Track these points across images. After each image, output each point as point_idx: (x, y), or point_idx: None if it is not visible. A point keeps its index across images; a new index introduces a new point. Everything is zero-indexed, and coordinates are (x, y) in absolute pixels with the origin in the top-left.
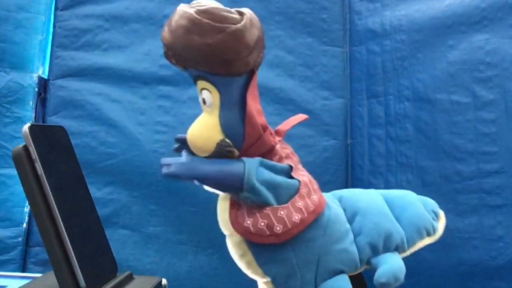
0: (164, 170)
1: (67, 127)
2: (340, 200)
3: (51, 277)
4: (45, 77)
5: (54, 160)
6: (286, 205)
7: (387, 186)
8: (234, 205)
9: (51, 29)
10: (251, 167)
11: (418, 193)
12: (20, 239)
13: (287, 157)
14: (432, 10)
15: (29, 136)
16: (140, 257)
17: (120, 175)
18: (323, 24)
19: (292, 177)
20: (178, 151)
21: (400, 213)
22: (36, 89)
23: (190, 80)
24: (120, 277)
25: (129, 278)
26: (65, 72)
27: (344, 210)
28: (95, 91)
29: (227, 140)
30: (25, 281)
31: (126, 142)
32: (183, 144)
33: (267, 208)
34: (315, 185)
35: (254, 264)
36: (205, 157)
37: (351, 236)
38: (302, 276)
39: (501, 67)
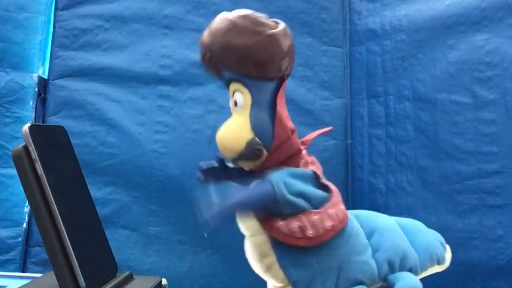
0: (203, 226)
1: (67, 127)
2: (356, 217)
3: (51, 277)
4: (45, 77)
5: (54, 160)
6: (319, 210)
7: (387, 186)
8: None
9: (51, 29)
10: (279, 183)
11: (418, 193)
12: (20, 239)
13: (312, 162)
14: (432, 10)
15: (29, 136)
16: (140, 257)
17: (120, 175)
18: (323, 24)
19: (319, 183)
20: (202, 180)
21: (413, 239)
22: (36, 89)
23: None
24: (120, 277)
25: (129, 278)
26: (65, 72)
27: (361, 227)
28: (95, 91)
29: (257, 139)
30: (25, 281)
31: (126, 142)
32: (207, 173)
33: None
34: (339, 195)
35: (276, 267)
36: (234, 159)
37: (370, 251)
38: (323, 283)
39: (501, 67)
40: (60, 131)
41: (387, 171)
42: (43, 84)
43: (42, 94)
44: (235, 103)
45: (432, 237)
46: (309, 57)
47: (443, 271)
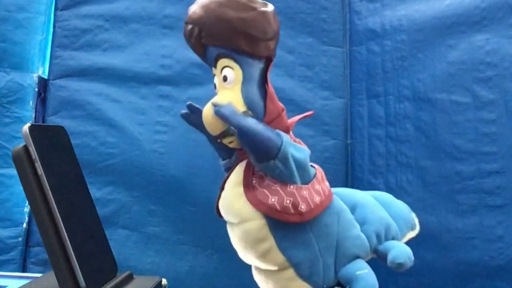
0: (216, 109)
1: (67, 127)
2: (336, 194)
3: (51, 277)
4: (45, 77)
5: (54, 160)
6: (307, 186)
7: (387, 186)
8: (249, 188)
9: (51, 29)
10: (287, 139)
11: (418, 193)
12: (20, 239)
13: (299, 142)
14: (432, 10)
15: (29, 136)
16: (140, 257)
17: (120, 175)
18: (323, 24)
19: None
20: (185, 117)
21: (389, 209)
22: (36, 89)
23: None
24: (120, 277)
25: (129, 278)
26: (65, 72)
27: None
28: (95, 91)
29: (250, 112)
30: (25, 281)
31: (126, 142)
32: (192, 113)
33: (292, 187)
34: (323, 173)
35: (275, 251)
36: (222, 134)
37: (357, 225)
38: (324, 261)
39: (501, 67)
40: (60, 131)
41: (387, 171)
42: (43, 84)
43: (42, 94)
44: (224, 78)
45: (403, 206)
46: (309, 57)
47: (443, 271)
